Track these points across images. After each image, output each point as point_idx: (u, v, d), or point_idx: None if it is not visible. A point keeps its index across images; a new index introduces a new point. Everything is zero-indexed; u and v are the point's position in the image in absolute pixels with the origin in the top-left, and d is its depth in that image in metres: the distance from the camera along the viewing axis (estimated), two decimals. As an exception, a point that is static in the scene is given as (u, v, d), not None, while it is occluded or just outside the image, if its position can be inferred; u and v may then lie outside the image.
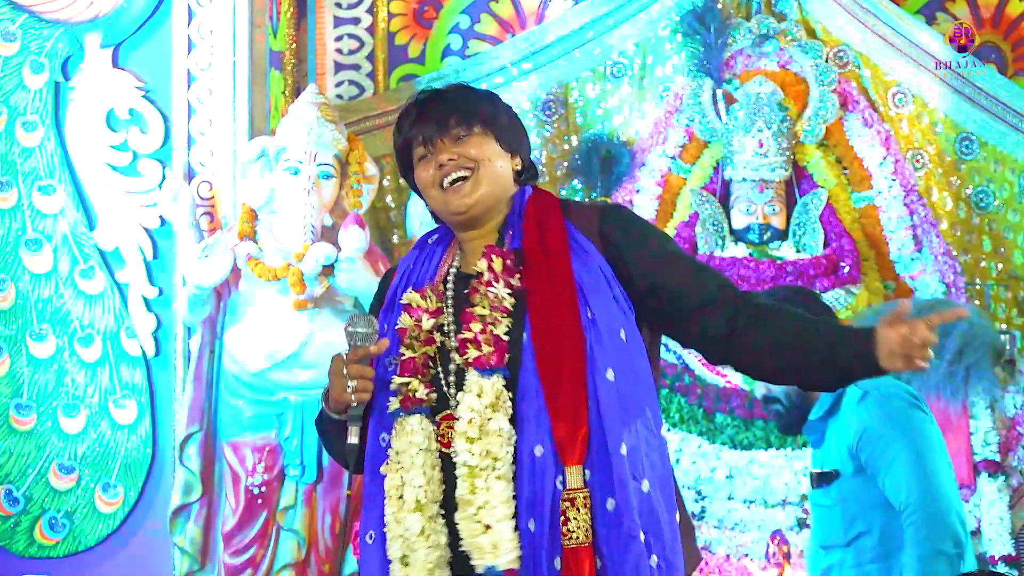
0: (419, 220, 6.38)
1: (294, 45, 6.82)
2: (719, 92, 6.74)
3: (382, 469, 3.07)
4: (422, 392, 3.07)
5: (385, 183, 6.86)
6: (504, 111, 3.22)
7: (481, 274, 3.09)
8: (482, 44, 7.11)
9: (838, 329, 3.07)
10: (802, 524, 6.27)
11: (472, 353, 3.03)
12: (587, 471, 2.96)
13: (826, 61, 6.79)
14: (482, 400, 3.01)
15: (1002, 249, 6.79)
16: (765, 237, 6.69)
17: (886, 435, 4.33)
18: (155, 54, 6.44)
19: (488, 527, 2.96)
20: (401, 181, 6.89)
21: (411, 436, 3.05)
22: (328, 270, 6.02)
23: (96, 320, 6.38)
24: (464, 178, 3.14)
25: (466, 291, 3.12)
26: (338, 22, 7.17)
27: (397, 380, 3.08)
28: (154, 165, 6.42)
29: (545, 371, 2.99)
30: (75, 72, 6.49)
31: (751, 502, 6.34)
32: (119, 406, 6.35)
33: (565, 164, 6.92)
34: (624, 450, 2.98)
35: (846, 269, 6.62)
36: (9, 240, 6.44)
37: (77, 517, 6.36)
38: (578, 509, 2.94)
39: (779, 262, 6.63)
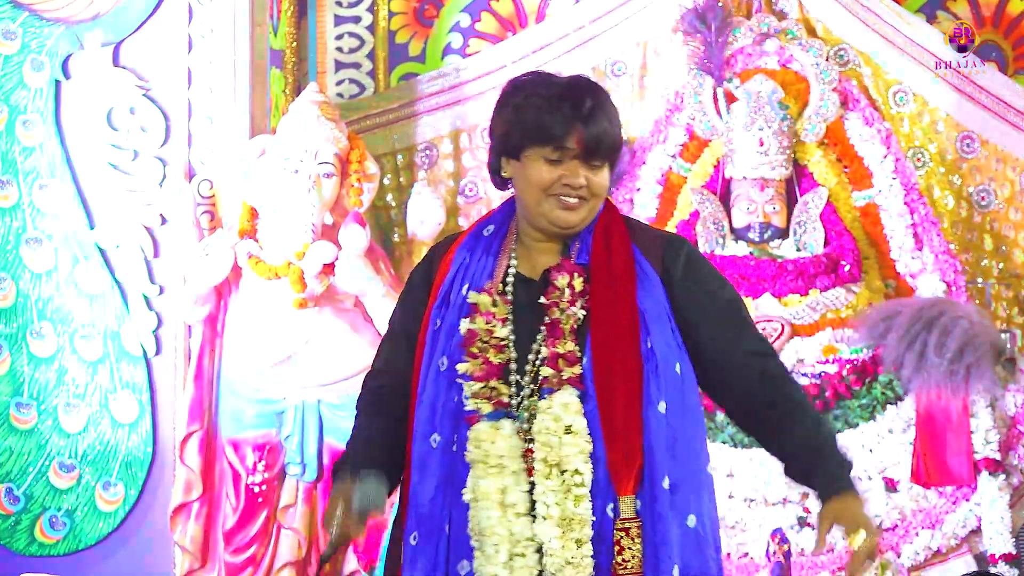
0: (420, 218, 6.39)
1: (295, 43, 6.82)
2: (720, 91, 6.74)
3: (475, 473, 2.99)
4: (506, 396, 3.01)
5: (386, 181, 6.86)
6: (620, 127, 3.13)
7: (559, 289, 3.05)
8: (483, 43, 7.11)
9: (821, 456, 3.09)
10: (803, 523, 6.28)
11: (567, 372, 3.00)
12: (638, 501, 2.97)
13: (827, 60, 6.78)
14: (565, 418, 2.98)
15: (1003, 248, 6.79)
16: (766, 236, 6.69)
17: None
18: (156, 53, 6.44)
19: (577, 542, 2.94)
20: (402, 179, 6.89)
21: (510, 439, 2.99)
22: (329, 268, 6.02)
23: (97, 318, 6.39)
24: (583, 199, 3.07)
25: (530, 298, 3.07)
26: (339, 20, 7.17)
27: (484, 384, 3.01)
28: (155, 164, 6.42)
29: (602, 396, 2.98)
30: (75, 70, 6.49)
31: (752, 500, 6.34)
32: (120, 404, 6.36)
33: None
34: (667, 484, 2.98)
35: (847, 268, 6.62)
36: (10, 238, 6.45)
37: (78, 515, 6.36)
38: (632, 539, 2.95)
39: (779, 260, 6.63)
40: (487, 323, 3.04)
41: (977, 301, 6.66)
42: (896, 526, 6.29)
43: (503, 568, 2.95)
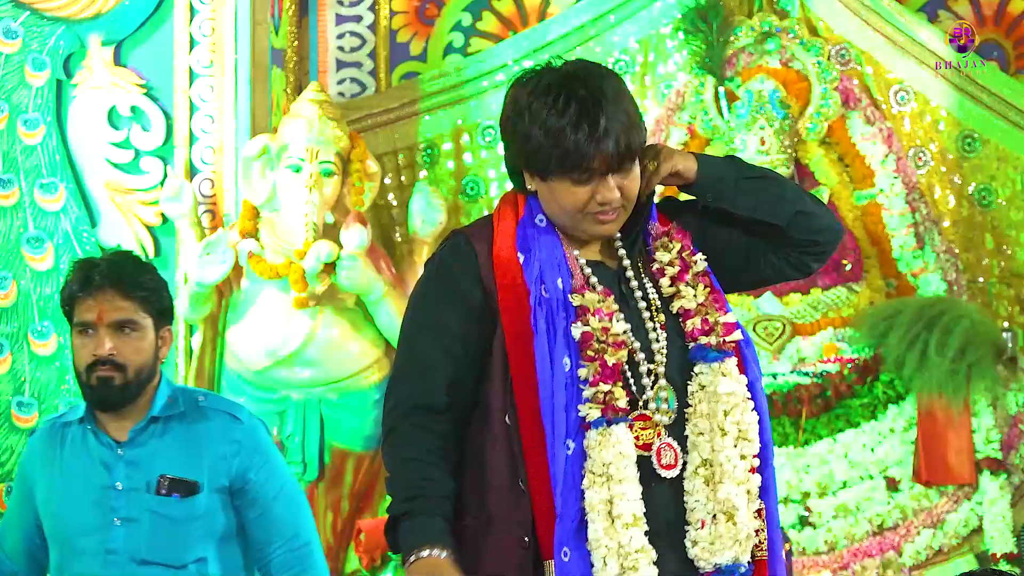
0: (421, 218, 6.38)
1: (296, 43, 6.82)
2: (721, 90, 6.73)
3: (584, 484, 2.85)
4: (623, 401, 2.88)
5: (387, 181, 6.85)
6: (640, 116, 2.99)
7: (669, 267, 2.98)
8: (484, 42, 7.10)
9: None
10: (804, 522, 6.28)
11: (709, 339, 2.93)
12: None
13: (828, 59, 6.78)
14: (737, 384, 2.93)
15: (1004, 247, 6.78)
16: (767, 235, 6.68)
17: (275, 463, 3.93)
18: (157, 52, 6.44)
19: (732, 513, 2.87)
20: (403, 178, 6.89)
21: (619, 447, 2.85)
22: (330, 268, 6.02)
23: (98, 318, 6.37)
24: (619, 207, 2.96)
25: (610, 285, 2.97)
26: (340, 20, 7.16)
27: (599, 388, 2.87)
28: (156, 163, 6.42)
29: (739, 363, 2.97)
30: (77, 70, 6.49)
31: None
32: (121, 404, 6.35)
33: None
34: (774, 462, 3.00)
35: (848, 266, 6.62)
36: (11, 238, 6.45)
37: (79, 515, 6.36)
38: (762, 520, 2.92)
39: (781, 260, 6.61)
40: (601, 321, 2.90)
41: (978, 300, 6.65)
42: (898, 525, 6.29)
43: None
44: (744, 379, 2.94)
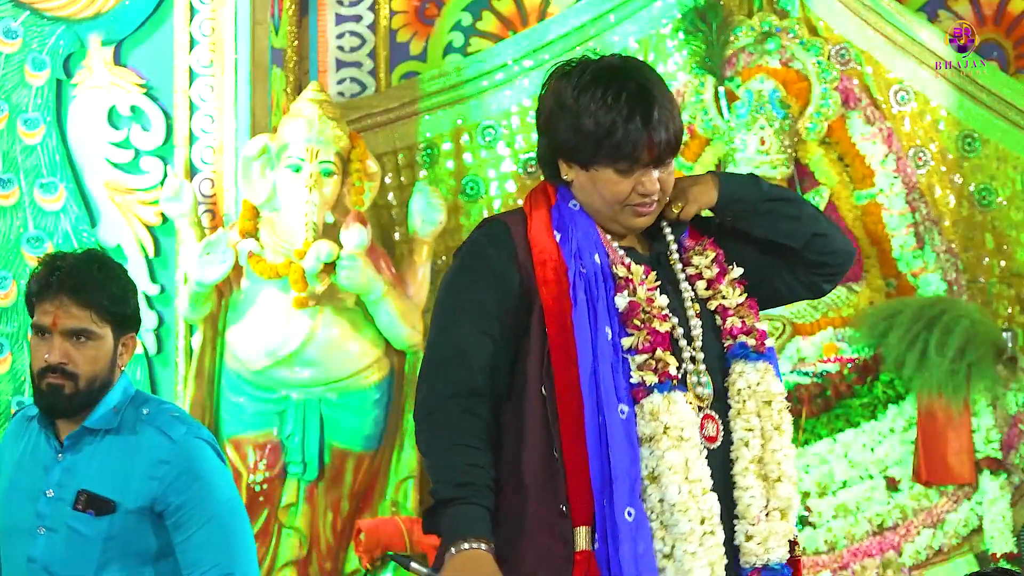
0: (420, 217, 6.38)
1: (296, 42, 6.82)
2: (721, 89, 6.74)
3: (660, 446, 2.86)
4: (674, 368, 2.91)
5: (387, 180, 6.85)
6: (679, 109, 3.06)
7: (708, 269, 3.03)
8: (484, 41, 7.10)
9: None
10: (804, 522, 6.28)
11: (749, 339, 3.00)
12: None
13: (828, 59, 6.78)
14: (773, 384, 3.01)
15: (1004, 246, 6.78)
16: (767, 234, 6.68)
17: (208, 487, 3.67)
18: (157, 51, 6.44)
19: (782, 510, 2.94)
20: (403, 178, 6.89)
21: (686, 412, 2.90)
22: (330, 268, 6.02)
23: (98, 317, 6.38)
24: (656, 201, 3.01)
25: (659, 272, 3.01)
26: (340, 19, 7.16)
27: (655, 354, 2.90)
28: (156, 162, 6.42)
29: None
30: (77, 69, 6.49)
31: (753, 500, 6.33)
32: (121, 403, 6.35)
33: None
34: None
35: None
36: (11, 237, 6.45)
37: (79, 514, 6.35)
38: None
39: (781, 260, 6.62)
40: (647, 292, 2.94)
41: (978, 300, 6.65)
42: (898, 525, 6.29)
43: (700, 546, 2.86)
44: (782, 381, 3.02)
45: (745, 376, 2.98)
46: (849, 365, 6.42)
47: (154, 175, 6.40)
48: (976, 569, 6.11)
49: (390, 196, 6.92)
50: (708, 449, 2.92)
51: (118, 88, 6.44)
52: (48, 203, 6.44)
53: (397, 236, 6.85)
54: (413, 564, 2.95)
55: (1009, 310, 6.73)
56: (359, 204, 6.18)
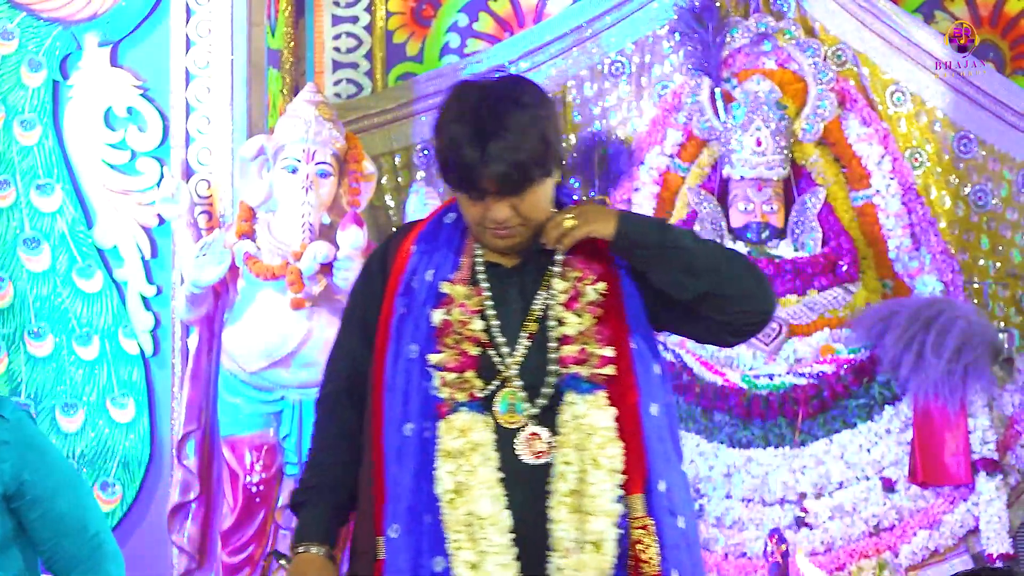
0: (418, 218, 6.37)
1: (292, 43, 6.82)
2: (717, 91, 6.74)
3: (450, 467, 2.93)
4: (478, 390, 2.96)
5: (383, 181, 6.86)
6: (553, 129, 3.04)
7: (562, 293, 3.01)
8: (480, 43, 7.11)
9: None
10: (800, 523, 6.28)
11: (599, 370, 2.97)
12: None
13: (824, 60, 6.78)
14: (598, 415, 2.97)
15: (1000, 247, 6.79)
16: (763, 236, 6.69)
17: (49, 455, 3.67)
18: (153, 52, 6.44)
19: (595, 544, 2.92)
20: (399, 179, 6.90)
21: (485, 431, 2.94)
22: (326, 269, 6.02)
23: (94, 319, 6.38)
24: (517, 226, 3.02)
25: (504, 286, 3.04)
26: (336, 20, 7.16)
27: (456, 374, 2.96)
28: (152, 163, 6.42)
29: (611, 395, 2.98)
30: (73, 71, 6.49)
31: (749, 500, 6.34)
32: (117, 405, 6.35)
33: (563, 163, 6.91)
34: (663, 487, 2.98)
35: (844, 267, 6.62)
36: (7, 239, 6.45)
37: (75, 516, 6.35)
38: (652, 536, 2.94)
39: (777, 261, 6.62)
40: (462, 314, 2.99)
41: (975, 301, 6.66)
42: (894, 526, 6.29)
43: (489, 561, 2.90)
44: (613, 412, 2.95)
45: (572, 408, 2.96)
46: (845, 366, 6.42)
47: (151, 176, 6.40)
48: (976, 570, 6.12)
49: (387, 197, 6.92)
50: (530, 466, 2.95)
51: (114, 89, 6.44)
52: (44, 204, 6.44)
53: (394, 237, 6.84)
54: (282, 562, 3.12)
55: (1005, 311, 6.74)
56: (356, 205, 6.18)
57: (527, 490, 2.94)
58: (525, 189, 2.97)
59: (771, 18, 6.83)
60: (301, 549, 3.04)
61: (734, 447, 6.37)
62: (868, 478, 6.33)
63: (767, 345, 6.49)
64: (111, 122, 6.45)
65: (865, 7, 6.79)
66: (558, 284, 3.01)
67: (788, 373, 6.44)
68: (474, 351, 2.97)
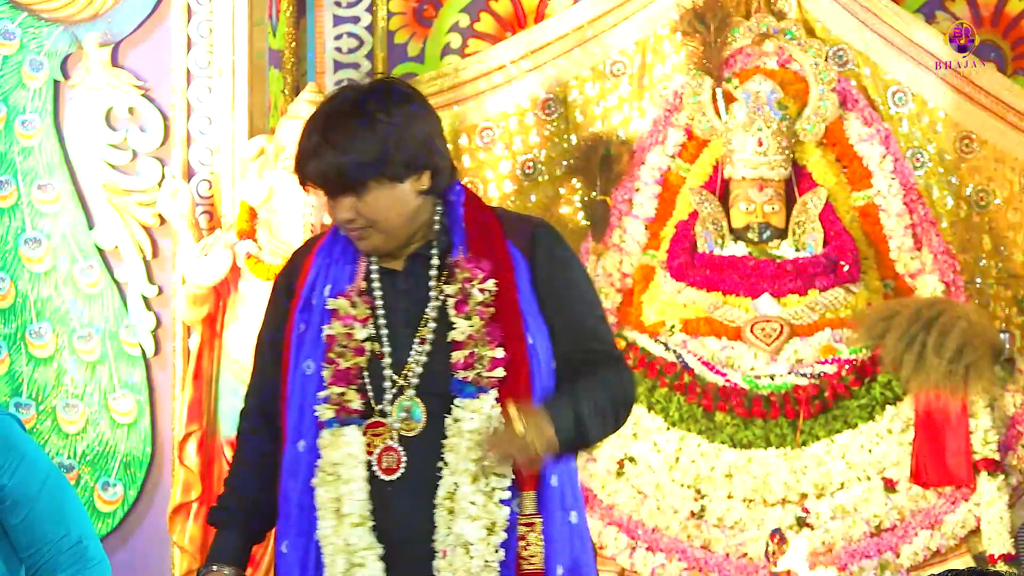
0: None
1: (293, 44, 6.82)
2: (719, 91, 6.73)
3: (315, 482, 2.98)
4: (357, 403, 2.99)
5: (384, 182, 6.84)
6: (404, 135, 3.00)
7: (451, 297, 3.02)
8: (482, 43, 7.10)
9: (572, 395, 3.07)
10: (802, 523, 6.27)
11: (468, 374, 2.98)
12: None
13: (825, 60, 6.78)
14: (484, 419, 2.97)
15: (1002, 248, 6.78)
16: (764, 236, 6.69)
17: (31, 458, 3.62)
18: (154, 52, 6.44)
19: (468, 546, 2.94)
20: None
21: (348, 448, 2.98)
22: (327, 269, 6.01)
23: (95, 319, 6.38)
24: (364, 227, 3.05)
25: (397, 289, 3.06)
26: (337, 21, 7.16)
27: (331, 389, 3.00)
28: (153, 164, 6.42)
29: (503, 393, 2.98)
30: (74, 71, 6.48)
31: (750, 501, 6.34)
32: (118, 405, 6.35)
33: (564, 163, 6.92)
34: (555, 481, 3.00)
35: (845, 268, 6.62)
36: (8, 239, 6.44)
37: (76, 516, 6.35)
38: (538, 535, 2.95)
39: (778, 261, 6.62)
40: (345, 327, 3.01)
41: (976, 301, 6.66)
42: (895, 526, 6.29)
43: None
44: (496, 414, 2.96)
45: (456, 411, 2.98)
46: (847, 366, 6.41)
47: (151, 176, 6.40)
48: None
49: (388, 197, 6.91)
50: (387, 481, 2.97)
51: (115, 89, 6.44)
52: (45, 204, 6.44)
53: (395, 237, 6.84)
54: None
55: (1006, 311, 6.74)
56: (357, 205, 6.17)
57: (410, 498, 2.97)
58: (357, 190, 3.00)
59: (772, 18, 6.83)
60: (215, 569, 3.10)
61: (735, 447, 6.37)
62: (869, 478, 6.32)
63: (768, 345, 6.49)
64: (112, 122, 6.45)
65: (867, 7, 6.79)
66: (448, 288, 3.03)
67: (789, 373, 6.43)
68: (359, 362, 3.00)
